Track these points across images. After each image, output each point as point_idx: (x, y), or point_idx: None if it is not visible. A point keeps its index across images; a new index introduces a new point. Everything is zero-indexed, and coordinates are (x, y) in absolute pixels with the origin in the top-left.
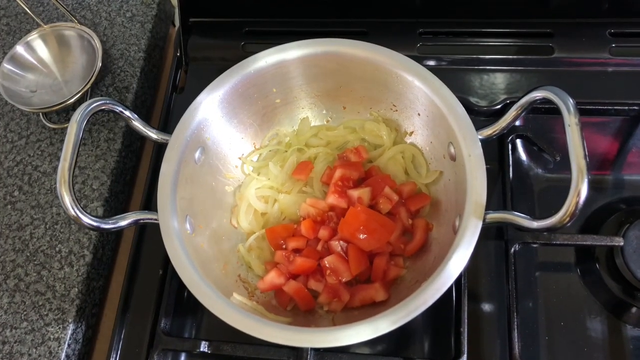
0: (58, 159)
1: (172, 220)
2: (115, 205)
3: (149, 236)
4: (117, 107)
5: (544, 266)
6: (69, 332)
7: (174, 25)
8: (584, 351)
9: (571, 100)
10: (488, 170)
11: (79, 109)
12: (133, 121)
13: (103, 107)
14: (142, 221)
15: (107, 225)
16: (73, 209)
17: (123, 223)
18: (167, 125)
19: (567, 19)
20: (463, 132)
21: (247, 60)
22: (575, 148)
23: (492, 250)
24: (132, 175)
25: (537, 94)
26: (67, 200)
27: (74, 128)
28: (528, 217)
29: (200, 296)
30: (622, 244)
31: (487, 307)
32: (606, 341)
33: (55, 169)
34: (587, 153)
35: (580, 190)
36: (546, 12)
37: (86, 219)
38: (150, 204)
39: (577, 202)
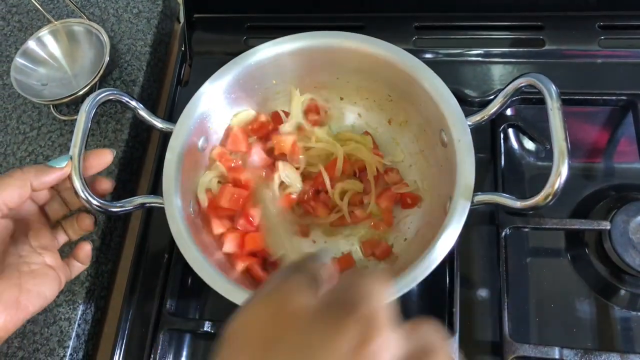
0: (68, 149)
1: (176, 204)
2: (122, 193)
3: (154, 223)
4: (124, 97)
5: (535, 251)
6: (79, 312)
7: (179, 22)
8: (573, 332)
9: (553, 86)
10: (481, 159)
11: (88, 99)
12: (139, 111)
13: (111, 97)
14: (148, 204)
15: (115, 208)
16: (83, 192)
17: (130, 206)
18: (172, 116)
19: (557, 12)
20: (453, 119)
21: (247, 53)
22: (556, 131)
23: (484, 235)
24: (138, 164)
25: (522, 81)
26: (77, 184)
27: (83, 117)
28: (513, 197)
29: (202, 273)
30: (609, 227)
31: (479, 289)
32: (595, 322)
33: None
34: (568, 136)
35: (561, 170)
36: (537, 5)
37: (95, 202)
38: (156, 190)
39: (559, 182)
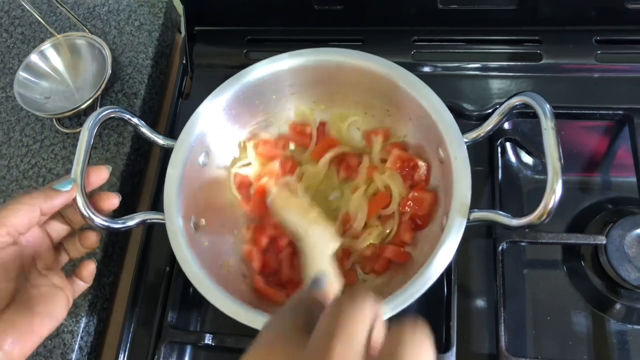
0: (70, 162)
1: (177, 220)
2: (124, 205)
3: (156, 235)
4: (126, 115)
5: (531, 264)
6: (82, 325)
7: (180, 33)
8: (569, 344)
9: (548, 106)
10: (478, 172)
11: (90, 117)
12: (141, 128)
13: (112, 115)
14: (149, 221)
15: (117, 225)
16: (85, 209)
17: (132, 223)
18: (174, 129)
19: (554, 26)
20: (450, 136)
21: (246, 69)
22: (550, 150)
23: (481, 249)
24: (140, 177)
25: (517, 100)
26: (80, 201)
27: (85, 134)
28: (509, 215)
29: (204, 290)
30: (604, 242)
31: (476, 302)
32: (590, 335)
33: (68, 171)
34: (562, 155)
35: (555, 189)
36: (535, 20)
37: (97, 219)
38: (157, 204)
39: (553, 201)
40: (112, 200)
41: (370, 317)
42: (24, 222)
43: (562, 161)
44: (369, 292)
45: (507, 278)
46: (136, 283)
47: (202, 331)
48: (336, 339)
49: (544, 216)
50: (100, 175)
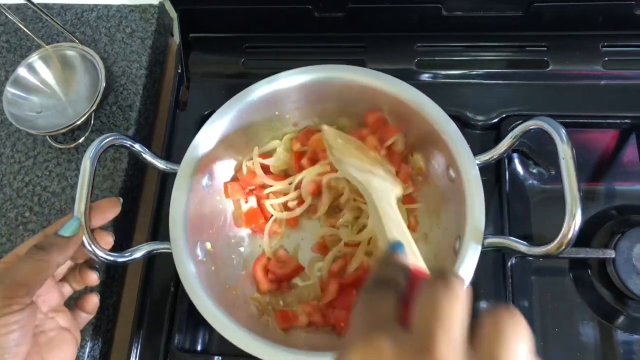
0: (66, 179)
1: (184, 249)
2: (124, 222)
3: (159, 254)
4: (127, 142)
5: (538, 272)
6: (87, 350)
7: (172, 36)
8: (577, 355)
9: (564, 131)
10: (484, 183)
11: (90, 148)
12: (143, 154)
13: (113, 143)
14: (155, 251)
15: (123, 259)
16: (90, 245)
17: (138, 255)
18: (172, 142)
19: (561, 32)
20: (461, 157)
21: (247, 89)
22: (569, 180)
23: (490, 262)
24: (138, 191)
25: (532, 124)
26: (84, 238)
27: (87, 167)
28: (525, 243)
29: (217, 325)
30: (613, 256)
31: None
32: (598, 346)
33: (64, 189)
34: (580, 183)
35: (576, 216)
36: (541, 26)
37: (102, 255)
38: (159, 225)
39: (572, 231)
40: (107, 239)
41: (467, 305)
42: (43, 279)
43: (581, 190)
44: (458, 274)
45: (515, 289)
46: (141, 304)
47: (211, 353)
48: (437, 338)
49: (563, 247)
50: (113, 209)
